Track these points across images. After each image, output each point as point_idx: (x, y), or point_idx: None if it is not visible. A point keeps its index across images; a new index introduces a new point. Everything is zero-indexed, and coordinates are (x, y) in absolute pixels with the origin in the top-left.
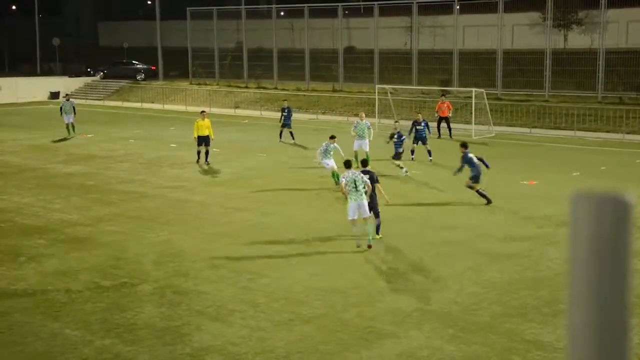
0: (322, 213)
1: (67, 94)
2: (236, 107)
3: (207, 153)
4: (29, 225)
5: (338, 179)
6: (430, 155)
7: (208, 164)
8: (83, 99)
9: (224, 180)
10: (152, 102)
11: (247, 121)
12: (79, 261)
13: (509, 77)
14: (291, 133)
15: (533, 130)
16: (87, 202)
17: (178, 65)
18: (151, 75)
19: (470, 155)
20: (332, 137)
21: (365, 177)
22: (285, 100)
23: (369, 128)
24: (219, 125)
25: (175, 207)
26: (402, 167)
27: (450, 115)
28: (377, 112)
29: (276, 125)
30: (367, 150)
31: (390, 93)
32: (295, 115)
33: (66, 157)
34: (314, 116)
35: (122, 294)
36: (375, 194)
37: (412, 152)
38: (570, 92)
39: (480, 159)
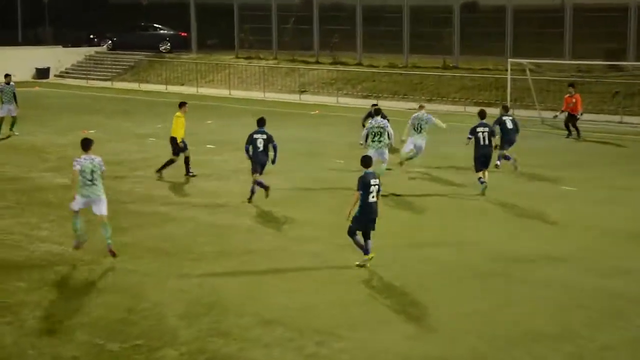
0: (425, 247)
1: (7, 74)
2: (302, 92)
3: (188, 160)
4: (4, 260)
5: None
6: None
7: (193, 175)
8: (83, 78)
9: (283, 198)
10: (182, 84)
11: (317, 112)
12: (74, 313)
13: None
14: None
15: None
16: (88, 227)
17: (219, 30)
18: (181, 46)
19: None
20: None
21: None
22: (375, 105)
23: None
24: (275, 118)
25: (213, 236)
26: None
27: (579, 114)
28: (509, 98)
29: (360, 116)
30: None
31: (530, 70)
32: (389, 104)
33: (59, 163)
34: (414, 105)
35: None
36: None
37: (507, 158)
38: None
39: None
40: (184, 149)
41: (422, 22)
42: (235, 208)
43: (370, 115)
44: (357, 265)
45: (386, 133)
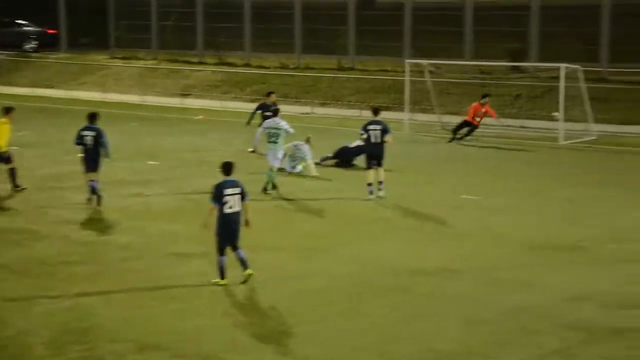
0: (319, 259)
1: None
2: (184, 95)
3: (14, 173)
4: None
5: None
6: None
7: (20, 189)
8: None
9: (164, 211)
10: (50, 87)
11: (201, 117)
12: None
13: (621, 45)
14: None
15: None
16: None
17: (92, 28)
18: (49, 44)
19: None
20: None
21: None
22: (272, 92)
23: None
24: (155, 124)
25: (86, 254)
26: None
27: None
28: (407, 102)
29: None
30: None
31: (430, 72)
32: (280, 108)
33: None
34: (307, 109)
35: None
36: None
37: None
38: None
39: None
40: (9, 160)
41: (316, 20)
42: (111, 223)
43: (260, 107)
44: (242, 283)
45: (283, 134)
